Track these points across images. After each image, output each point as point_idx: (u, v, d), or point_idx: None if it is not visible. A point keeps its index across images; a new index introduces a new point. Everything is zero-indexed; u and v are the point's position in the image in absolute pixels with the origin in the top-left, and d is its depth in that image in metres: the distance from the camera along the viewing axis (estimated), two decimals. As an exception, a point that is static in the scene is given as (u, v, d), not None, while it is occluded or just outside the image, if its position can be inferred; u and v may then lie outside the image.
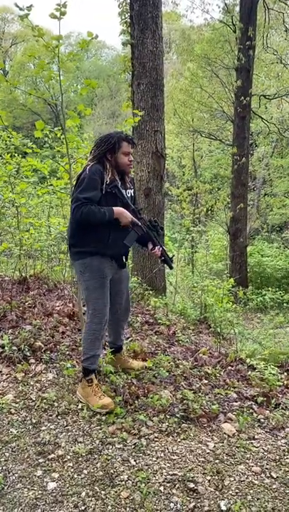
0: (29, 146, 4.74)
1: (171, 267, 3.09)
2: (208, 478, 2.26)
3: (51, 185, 5.12)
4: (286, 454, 2.55)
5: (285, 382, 3.49)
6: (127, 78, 6.51)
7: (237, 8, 12.27)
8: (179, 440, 2.56)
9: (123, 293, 3.09)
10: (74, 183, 2.88)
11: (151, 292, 5.51)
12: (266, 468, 2.40)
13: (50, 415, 2.72)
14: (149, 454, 2.41)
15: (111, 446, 2.45)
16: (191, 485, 2.18)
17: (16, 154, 5.29)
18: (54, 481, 2.17)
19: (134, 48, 5.84)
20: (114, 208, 2.72)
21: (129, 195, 2.92)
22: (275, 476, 2.34)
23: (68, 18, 3.74)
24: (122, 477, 2.21)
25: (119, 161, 2.81)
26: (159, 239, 2.96)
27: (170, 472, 2.28)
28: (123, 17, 6.12)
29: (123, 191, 2.85)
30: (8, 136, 5.09)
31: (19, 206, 5.30)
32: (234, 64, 11.91)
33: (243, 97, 10.95)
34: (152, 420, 2.72)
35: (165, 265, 3.19)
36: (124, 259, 2.97)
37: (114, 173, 2.80)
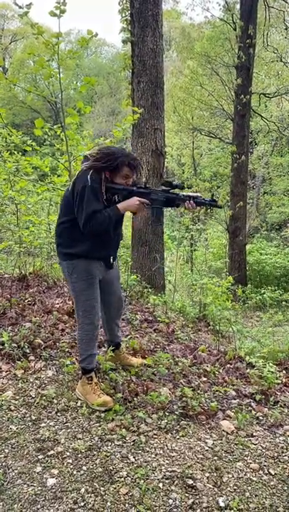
0: (29, 143, 4.74)
1: (219, 206, 2.87)
2: (207, 474, 2.28)
3: (51, 182, 5.12)
4: (284, 451, 2.57)
5: (284, 380, 3.50)
6: (127, 76, 6.50)
7: (237, 6, 12.27)
8: (177, 437, 2.58)
9: (115, 292, 3.08)
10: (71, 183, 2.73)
11: (150, 290, 5.52)
12: (264, 465, 2.41)
13: (50, 412, 2.73)
14: (148, 451, 2.42)
15: (110, 443, 2.46)
16: (190, 481, 2.20)
17: (15, 152, 5.28)
18: (53, 477, 2.19)
19: (134, 45, 5.83)
20: (117, 205, 2.66)
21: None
22: (273, 473, 2.36)
23: (68, 15, 3.73)
24: (121, 473, 2.23)
25: (116, 181, 2.69)
26: (180, 194, 2.77)
27: (169, 469, 2.29)
28: (123, 15, 6.10)
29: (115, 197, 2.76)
30: (9, 134, 5.09)
31: (19, 204, 5.31)
32: (234, 62, 11.90)
33: (242, 95, 10.93)
34: (151, 417, 2.73)
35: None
36: (111, 260, 2.91)
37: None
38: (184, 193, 2.79)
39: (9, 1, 32.06)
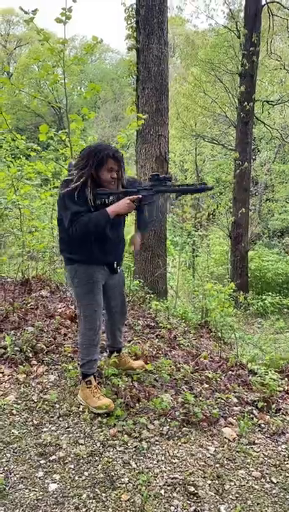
0: (33, 148, 4.76)
1: (209, 188, 2.71)
2: (209, 482, 2.27)
3: (55, 187, 5.14)
4: (286, 459, 2.56)
5: (286, 387, 3.50)
6: (131, 82, 6.55)
7: (241, 14, 12.36)
8: (179, 444, 2.57)
9: (119, 297, 3.07)
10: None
11: (152, 295, 5.52)
12: (266, 474, 2.41)
13: (52, 417, 2.73)
14: (149, 457, 2.42)
15: (112, 449, 2.46)
16: (192, 489, 2.19)
17: (20, 156, 5.31)
18: (55, 482, 2.18)
19: (139, 52, 5.87)
20: (106, 208, 2.61)
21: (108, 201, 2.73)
22: (275, 481, 2.35)
23: (72, 21, 3.77)
24: (122, 480, 2.22)
25: (102, 177, 2.66)
26: (169, 185, 2.70)
27: (171, 475, 2.29)
28: (129, 22, 6.16)
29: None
30: (13, 139, 5.12)
31: (22, 208, 5.32)
32: (238, 69, 11.97)
33: (246, 103, 10.99)
34: (153, 423, 2.73)
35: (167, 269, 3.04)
36: (115, 265, 2.89)
37: (89, 193, 2.60)
38: (173, 184, 2.74)
39: (14, 6, 32.34)
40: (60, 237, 2.82)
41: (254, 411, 3.08)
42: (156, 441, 2.57)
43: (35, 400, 2.87)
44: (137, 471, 2.29)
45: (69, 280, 2.87)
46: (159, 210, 2.73)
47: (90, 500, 2.08)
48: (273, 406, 3.13)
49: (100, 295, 2.85)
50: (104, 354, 3.47)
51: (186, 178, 19.61)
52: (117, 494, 2.13)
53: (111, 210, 2.61)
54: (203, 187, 2.68)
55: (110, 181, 2.68)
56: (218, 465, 2.42)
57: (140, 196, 2.67)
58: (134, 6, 6.01)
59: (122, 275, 3.16)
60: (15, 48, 37.61)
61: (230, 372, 3.73)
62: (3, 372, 3.16)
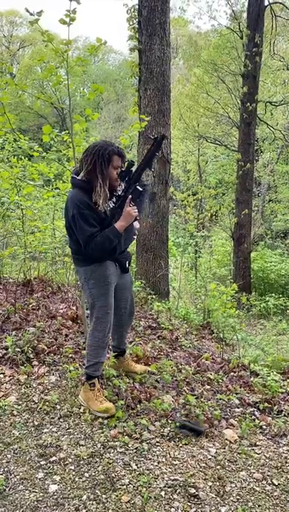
0: (36, 149, 4.77)
1: (163, 137, 2.80)
2: (210, 484, 2.26)
3: (57, 188, 5.15)
4: (288, 461, 2.55)
5: (288, 389, 3.48)
6: (134, 83, 6.54)
7: (244, 15, 12.33)
8: (180, 445, 2.57)
9: (128, 298, 3.08)
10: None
11: (154, 296, 5.52)
12: (268, 475, 2.40)
13: (53, 418, 2.72)
14: (150, 459, 2.41)
15: (112, 450, 2.45)
16: (192, 490, 2.18)
17: (22, 157, 5.32)
18: (55, 483, 2.18)
19: (141, 53, 5.87)
20: (114, 225, 2.65)
21: (111, 205, 2.74)
22: (276, 483, 2.34)
23: (76, 22, 3.76)
24: (123, 481, 2.22)
25: (110, 175, 2.65)
26: (137, 169, 2.74)
27: (171, 477, 2.28)
28: (131, 23, 6.15)
29: (100, 211, 2.67)
30: (15, 140, 5.13)
31: (24, 209, 5.33)
32: (240, 70, 11.95)
33: (249, 103, 10.97)
34: (154, 425, 2.72)
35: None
36: (127, 264, 2.94)
37: (106, 191, 2.61)
38: (137, 166, 2.77)
39: (18, 7, 32.44)
40: (73, 241, 2.79)
41: (256, 412, 3.07)
42: (157, 442, 2.56)
43: (36, 401, 2.87)
44: (137, 473, 2.29)
45: (82, 281, 2.86)
46: (147, 194, 2.80)
47: (91, 502, 2.07)
48: (275, 408, 3.12)
49: (113, 297, 2.85)
50: (107, 355, 3.46)
51: (188, 179, 19.59)
52: (117, 495, 2.12)
53: (119, 225, 2.65)
54: (158, 141, 2.74)
55: (116, 178, 2.70)
56: (219, 467, 2.41)
57: (131, 197, 2.70)
58: (137, 6, 6.01)
59: (130, 276, 3.16)
60: (18, 49, 37.72)
61: (232, 373, 3.72)
62: (4, 373, 3.16)
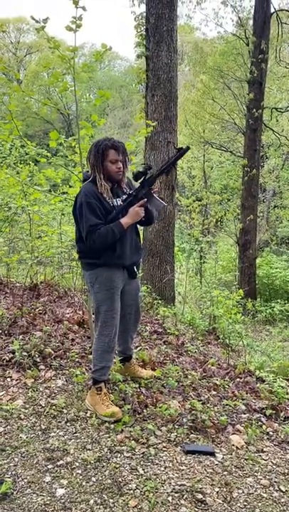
0: (44, 155, 4.81)
1: (187, 149, 2.84)
2: (217, 489, 2.26)
3: (64, 193, 5.18)
4: (295, 467, 2.54)
5: (294, 395, 3.47)
6: (140, 89, 6.59)
7: (250, 22, 12.37)
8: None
9: (134, 303, 3.08)
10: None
11: (160, 302, 5.52)
12: (275, 482, 2.39)
13: (59, 422, 2.73)
14: (157, 464, 2.41)
15: (119, 455, 2.45)
16: (199, 496, 2.18)
17: (29, 163, 5.36)
18: (63, 487, 2.18)
19: (149, 60, 5.92)
20: (120, 220, 2.70)
21: (118, 203, 2.80)
22: (283, 489, 2.33)
23: (82, 28, 3.81)
24: (130, 486, 2.22)
25: (108, 169, 2.74)
26: (153, 174, 2.82)
27: (178, 482, 2.28)
28: (139, 30, 6.21)
29: (108, 202, 2.75)
30: (22, 145, 5.17)
31: (31, 213, 5.37)
32: (246, 77, 11.99)
33: (254, 110, 10.99)
34: (161, 430, 2.72)
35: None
36: (135, 269, 2.95)
37: (105, 184, 2.73)
38: (154, 171, 2.85)
39: (25, 14, 32.77)
40: (79, 244, 2.84)
41: (262, 418, 3.06)
42: (164, 447, 2.56)
43: (43, 405, 2.88)
44: (144, 478, 2.29)
45: (88, 285, 2.88)
46: (157, 199, 2.85)
47: (98, 506, 2.08)
48: (282, 414, 3.11)
49: (119, 302, 2.86)
50: (114, 360, 3.47)
51: (193, 185, 19.60)
52: (124, 500, 2.12)
53: (124, 221, 2.70)
54: (181, 152, 2.81)
55: (116, 172, 2.77)
56: (226, 472, 2.41)
57: (146, 200, 2.78)
58: (144, 14, 6.07)
59: (138, 281, 3.16)
60: (25, 56, 38.06)
61: (238, 379, 3.72)
62: (11, 377, 3.18)
